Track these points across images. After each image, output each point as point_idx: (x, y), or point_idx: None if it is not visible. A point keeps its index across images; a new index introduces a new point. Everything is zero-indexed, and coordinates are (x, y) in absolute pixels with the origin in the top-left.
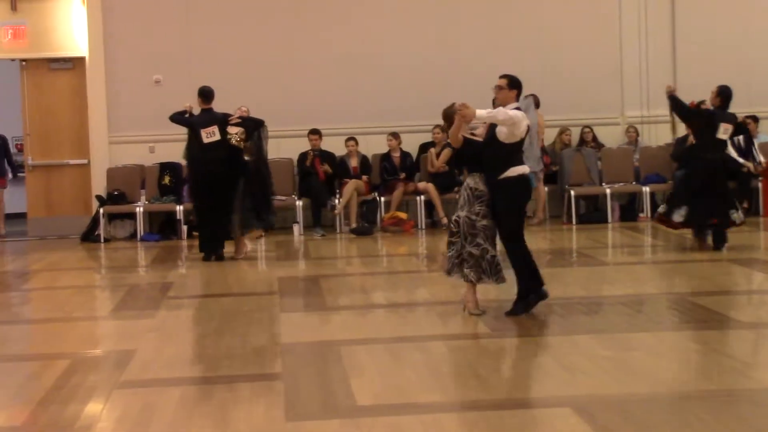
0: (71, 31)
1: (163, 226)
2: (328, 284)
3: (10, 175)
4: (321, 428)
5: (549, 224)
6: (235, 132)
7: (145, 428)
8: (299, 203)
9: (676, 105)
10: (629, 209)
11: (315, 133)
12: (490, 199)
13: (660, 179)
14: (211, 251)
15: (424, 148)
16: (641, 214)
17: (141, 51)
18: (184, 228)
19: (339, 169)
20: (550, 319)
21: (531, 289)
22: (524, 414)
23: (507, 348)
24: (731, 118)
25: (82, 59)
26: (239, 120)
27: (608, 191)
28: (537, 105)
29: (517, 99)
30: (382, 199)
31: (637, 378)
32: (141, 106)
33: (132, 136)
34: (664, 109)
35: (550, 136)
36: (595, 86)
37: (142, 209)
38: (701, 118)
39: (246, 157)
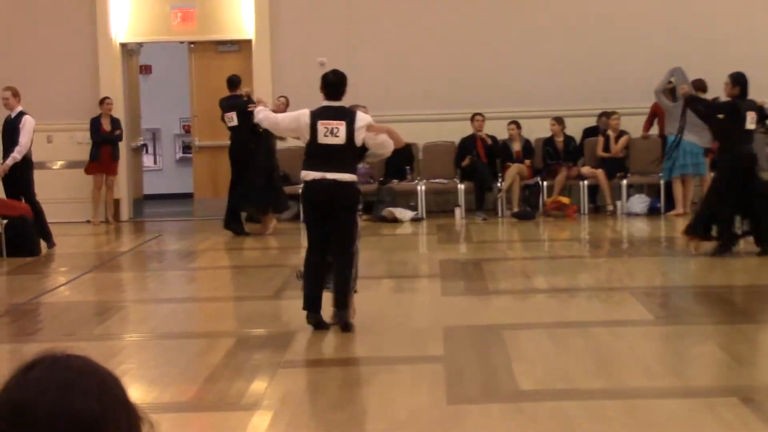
0: (239, 14)
1: None
2: (489, 268)
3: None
4: (483, 412)
5: None
6: None
7: (308, 407)
8: (461, 186)
9: (696, 105)
10: None
11: (479, 115)
12: None
13: None
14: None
15: (588, 132)
16: None
17: (306, 33)
18: None
19: (501, 152)
20: (715, 306)
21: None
22: (689, 403)
23: (671, 335)
24: (753, 105)
25: (248, 42)
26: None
27: None
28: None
29: (328, 98)
30: (545, 183)
31: None
32: (305, 88)
33: None
34: None
35: None
36: (764, 69)
37: None
38: (725, 111)
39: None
